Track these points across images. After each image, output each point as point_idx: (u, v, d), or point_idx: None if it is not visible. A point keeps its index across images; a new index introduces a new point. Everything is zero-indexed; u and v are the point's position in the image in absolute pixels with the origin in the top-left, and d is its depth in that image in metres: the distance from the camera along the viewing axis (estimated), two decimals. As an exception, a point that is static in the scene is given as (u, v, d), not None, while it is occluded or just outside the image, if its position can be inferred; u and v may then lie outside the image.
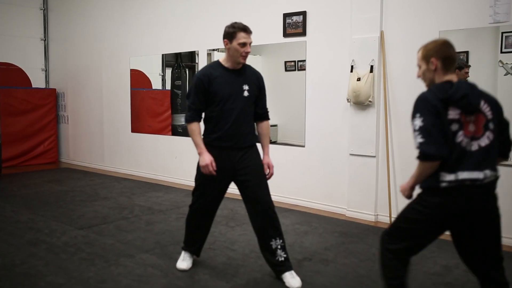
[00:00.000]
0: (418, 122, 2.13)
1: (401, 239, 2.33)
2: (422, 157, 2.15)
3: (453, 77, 2.23)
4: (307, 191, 5.34)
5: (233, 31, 3.02)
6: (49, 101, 8.67)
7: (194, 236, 3.37)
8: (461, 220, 2.19)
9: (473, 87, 2.18)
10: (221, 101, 3.05)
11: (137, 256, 3.62)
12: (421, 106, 2.17)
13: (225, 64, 3.11)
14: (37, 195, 5.87)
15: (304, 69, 5.44)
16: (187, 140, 6.87)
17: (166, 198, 5.76)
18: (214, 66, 3.13)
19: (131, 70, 7.56)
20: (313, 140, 5.28)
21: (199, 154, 3.10)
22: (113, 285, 3.08)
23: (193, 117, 3.12)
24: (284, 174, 5.31)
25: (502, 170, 4.01)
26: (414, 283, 3.15)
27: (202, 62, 6.44)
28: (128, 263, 3.47)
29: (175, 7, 6.70)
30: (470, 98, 2.11)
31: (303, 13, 5.23)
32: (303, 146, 5.34)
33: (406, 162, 4.59)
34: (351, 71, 4.78)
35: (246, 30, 3.05)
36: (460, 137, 2.12)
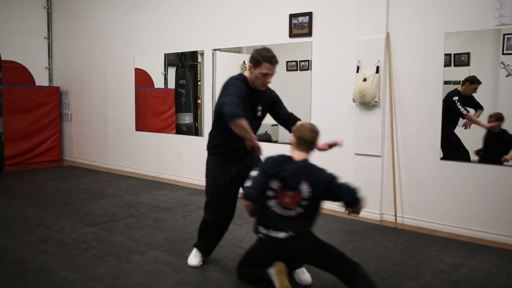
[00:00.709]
0: (255, 173, 2.90)
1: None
2: (244, 197, 2.89)
3: (298, 155, 2.94)
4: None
5: (259, 60, 3.05)
6: (53, 99, 8.71)
7: (207, 243, 3.44)
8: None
9: (301, 169, 2.84)
10: None
11: (148, 253, 3.67)
12: (262, 164, 2.95)
13: (250, 82, 3.15)
14: (43, 192, 5.91)
15: (306, 69, 5.50)
16: (191, 139, 6.93)
17: (172, 196, 5.80)
18: (244, 80, 3.15)
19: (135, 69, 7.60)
20: (319, 140, 5.32)
21: (254, 138, 3.03)
22: (126, 281, 3.13)
23: (241, 111, 2.97)
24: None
25: (494, 170, 4.10)
26: (422, 280, 3.21)
27: (207, 62, 6.48)
28: (139, 260, 3.52)
29: (180, 5, 6.74)
30: (289, 181, 2.81)
31: (309, 14, 5.28)
32: (309, 146, 5.39)
33: (411, 162, 4.65)
34: (357, 71, 4.83)
35: (271, 61, 3.04)
36: (272, 203, 2.86)
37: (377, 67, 4.72)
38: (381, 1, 4.69)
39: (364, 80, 4.74)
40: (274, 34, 5.59)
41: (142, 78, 7.68)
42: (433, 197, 4.53)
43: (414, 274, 3.33)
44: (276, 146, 5.22)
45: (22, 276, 3.18)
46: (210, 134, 3.34)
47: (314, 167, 2.92)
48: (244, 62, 6.72)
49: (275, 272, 2.82)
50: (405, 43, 4.63)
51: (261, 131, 3.51)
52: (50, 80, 9.14)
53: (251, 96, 3.15)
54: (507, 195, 4.15)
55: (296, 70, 5.95)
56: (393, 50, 4.70)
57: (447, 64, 4.44)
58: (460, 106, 4.45)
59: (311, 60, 5.38)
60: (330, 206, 5.18)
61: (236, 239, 4.06)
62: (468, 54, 4.48)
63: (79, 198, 5.59)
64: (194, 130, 7.33)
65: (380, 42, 4.71)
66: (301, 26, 5.35)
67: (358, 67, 4.83)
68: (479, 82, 4.41)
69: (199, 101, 7.32)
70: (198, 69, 7.25)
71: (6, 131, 7.66)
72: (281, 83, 6.15)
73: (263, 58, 3.04)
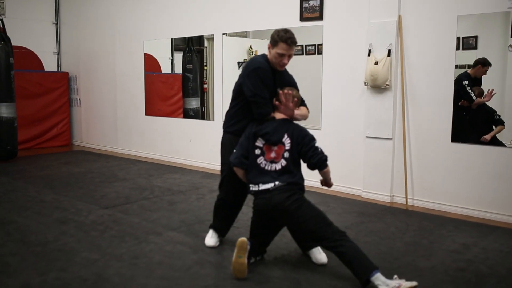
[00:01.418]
0: (241, 138, 3.17)
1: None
2: (232, 165, 3.19)
3: (279, 116, 3.12)
4: (323, 173, 5.45)
5: (276, 40, 3.07)
6: (62, 84, 8.76)
7: (223, 222, 3.51)
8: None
9: (281, 124, 3.05)
10: None
11: (165, 234, 3.75)
12: (246, 129, 3.19)
13: (270, 62, 3.18)
14: (56, 176, 6.00)
15: (313, 54, 5.51)
16: (200, 123, 6.98)
17: (184, 179, 5.88)
18: (266, 61, 3.18)
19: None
20: (330, 123, 5.38)
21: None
22: (146, 260, 3.21)
23: (270, 108, 3.16)
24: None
25: (505, 152, 4.15)
26: (435, 260, 3.28)
27: (217, 46, 6.50)
28: (158, 241, 3.60)
29: (189, -10, 6.74)
30: (271, 135, 3.03)
31: (320, -3, 5.29)
32: (319, 129, 5.44)
33: (422, 144, 4.70)
34: (369, 55, 4.85)
35: (287, 42, 3.06)
36: (260, 160, 3.06)
37: (389, 51, 4.73)
38: (393, -16, 4.70)
39: (376, 63, 4.76)
40: (284, 18, 5.60)
41: (149, 63, 7.71)
42: (444, 179, 4.59)
43: (427, 254, 3.40)
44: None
45: (46, 256, 3.26)
46: (227, 113, 3.40)
47: (294, 124, 3.13)
48: (250, 46, 6.73)
49: (236, 247, 2.91)
50: (417, 26, 4.65)
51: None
52: (59, 65, 9.17)
53: (272, 77, 3.18)
54: (499, 176, 4.23)
55: (302, 54, 5.97)
56: (405, 33, 4.71)
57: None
58: (470, 91, 4.47)
59: (322, 44, 5.39)
60: (340, 189, 5.27)
61: (250, 220, 4.12)
62: (475, 37, 4.50)
63: (92, 182, 5.67)
64: (201, 114, 7.38)
65: (392, 25, 4.72)
66: (312, 9, 5.35)
67: (369, 51, 4.85)
68: (490, 65, 4.44)
69: (205, 85, 7.36)
70: (205, 53, 7.28)
71: (17, 116, 7.71)
72: (288, 66, 6.21)
73: (280, 38, 3.07)
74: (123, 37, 7.85)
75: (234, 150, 3.18)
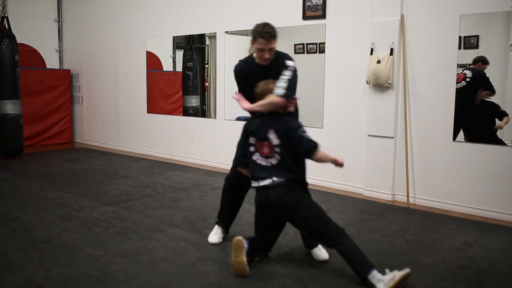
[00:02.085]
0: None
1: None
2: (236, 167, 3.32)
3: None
4: (325, 171, 5.46)
5: (255, 35, 3.09)
6: (64, 82, 8.78)
7: (227, 211, 3.52)
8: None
9: (266, 120, 3.04)
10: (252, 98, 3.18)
11: (168, 231, 3.77)
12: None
13: (256, 59, 3.22)
14: (59, 173, 6.02)
15: (314, 52, 5.53)
16: (202, 121, 7.00)
17: (186, 177, 5.89)
18: (246, 61, 3.26)
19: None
20: (331, 122, 5.40)
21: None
22: (149, 257, 3.23)
23: None
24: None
25: (507, 150, 4.17)
26: (437, 257, 3.30)
27: (220, 44, 6.51)
28: (161, 237, 3.62)
29: (192, -12, 6.75)
30: (258, 132, 3.05)
31: (323, -4, 5.30)
32: (321, 128, 5.46)
33: (424, 143, 4.72)
34: (371, 53, 4.87)
35: (264, 37, 3.04)
36: (256, 157, 3.09)
37: (391, 49, 4.75)
38: (395, -17, 4.72)
39: (378, 62, 4.78)
40: (287, 16, 5.61)
41: (151, 60, 7.73)
42: (446, 177, 4.61)
43: (429, 252, 3.42)
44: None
45: (50, 252, 3.28)
46: None
47: (279, 117, 3.06)
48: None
49: (232, 247, 2.92)
50: (419, 25, 4.66)
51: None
52: (61, 63, 9.19)
53: (259, 73, 3.19)
54: (499, 175, 4.25)
55: (303, 53, 5.98)
56: (407, 32, 4.73)
57: (456, 46, 4.49)
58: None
59: (323, 43, 5.41)
60: (341, 187, 5.29)
61: (253, 218, 4.12)
62: (477, 36, 4.51)
63: (95, 179, 5.70)
64: (201, 112, 7.40)
65: (395, 24, 4.73)
66: (314, 8, 5.37)
67: (372, 49, 4.87)
68: (488, 63, 4.46)
69: (206, 83, 7.38)
70: (206, 52, 7.30)
71: (20, 113, 7.75)
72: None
73: (258, 33, 3.07)
74: (125, 35, 7.86)
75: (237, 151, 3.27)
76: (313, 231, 2.99)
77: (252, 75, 3.20)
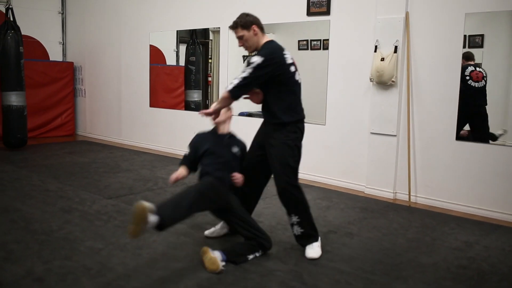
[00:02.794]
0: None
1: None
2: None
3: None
4: (327, 168, 5.47)
5: None
6: (67, 74, 8.78)
7: None
8: None
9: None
10: None
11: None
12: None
13: None
14: (61, 165, 6.02)
15: (318, 49, 5.51)
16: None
17: (187, 171, 5.88)
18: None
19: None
20: (334, 119, 5.38)
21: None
22: (150, 251, 3.23)
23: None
24: (304, 151, 5.41)
25: (497, 149, 4.16)
26: (437, 257, 3.29)
27: (223, 39, 6.49)
28: (161, 232, 3.60)
29: (196, -17, 6.73)
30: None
31: (328, -8, 5.28)
32: (324, 125, 5.45)
33: (427, 142, 4.70)
34: (375, 51, 4.84)
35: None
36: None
37: (395, 47, 4.73)
38: (401, -20, 4.69)
39: (382, 59, 4.75)
40: (291, 12, 5.59)
41: (154, 54, 7.72)
42: (447, 177, 4.59)
43: (430, 251, 3.41)
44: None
45: (50, 244, 3.28)
46: None
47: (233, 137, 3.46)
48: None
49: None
50: (424, 23, 4.63)
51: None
52: (64, 55, 9.19)
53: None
54: (501, 174, 4.23)
55: (307, 49, 5.96)
56: (412, 30, 4.70)
57: (461, 45, 4.46)
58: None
59: (327, 39, 5.39)
60: (343, 184, 5.28)
61: (254, 214, 4.12)
62: (482, 36, 4.48)
63: (96, 172, 5.70)
64: (203, 107, 7.38)
65: (399, 21, 4.71)
66: (319, 4, 5.34)
67: (376, 47, 4.84)
68: (474, 59, 4.47)
69: (209, 78, 7.36)
70: (210, 46, 7.28)
71: (23, 105, 7.75)
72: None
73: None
74: (129, 28, 7.85)
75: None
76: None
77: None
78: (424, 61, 4.67)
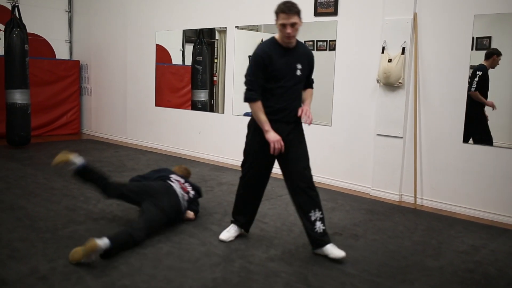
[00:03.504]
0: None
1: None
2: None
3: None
4: (332, 169, 5.44)
5: (277, 11, 3.04)
6: (73, 73, 8.79)
7: (242, 208, 3.48)
8: None
9: None
10: (277, 79, 3.10)
11: (173, 225, 3.75)
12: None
13: (280, 41, 3.13)
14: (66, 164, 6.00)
15: (324, 49, 5.48)
16: (210, 116, 6.98)
17: (192, 171, 5.81)
18: (271, 43, 3.13)
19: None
20: (340, 120, 5.36)
21: (266, 132, 3.11)
22: (155, 251, 3.22)
23: (256, 96, 3.11)
24: (309, 152, 5.39)
25: (505, 152, 4.13)
26: (443, 260, 3.26)
27: (230, 39, 6.48)
28: (166, 232, 3.59)
29: (203, -18, 6.72)
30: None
31: (335, -7, 5.25)
32: (330, 126, 5.42)
33: (433, 144, 4.67)
34: (382, 52, 4.82)
35: (284, 11, 2.99)
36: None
37: (403, 48, 4.70)
38: (409, -19, 4.66)
39: (389, 61, 4.73)
40: (298, 13, 5.56)
41: (160, 53, 7.72)
42: (454, 179, 4.56)
43: (436, 254, 3.38)
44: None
45: (55, 243, 3.28)
46: None
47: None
48: (262, 40, 6.70)
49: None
50: (432, 24, 4.60)
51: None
52: (70, 53, 9.20)
53: (285, 56, 3.12)
54: (505, 177, 4.20)
55: (313, 50, 5.94)
56: (420, 32, 4.67)
57: (469, 47, 4.43)
58: (474, 82, 4.43)
59: (333, 40, 5.37)
60: (348, 186, 5.26)
61: (259, 214, 4.08)
62: (489, 38, 4.45)
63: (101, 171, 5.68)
64: (209, 107, 7.37)
65: (407, 23, 4.68)
66: (326, 4, 5.32)
67: (383, 48, 4.81)
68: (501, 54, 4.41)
69: (215, 78, 7.35)
70: (216, 46, 7.27)
71: (28, 103, 7.77)
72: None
73: (279, 9, 3.03)
74: (135, 27, 7.85)
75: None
76: None
77: (279, 56, 3.09)
78: (431, 62, 4.64)
